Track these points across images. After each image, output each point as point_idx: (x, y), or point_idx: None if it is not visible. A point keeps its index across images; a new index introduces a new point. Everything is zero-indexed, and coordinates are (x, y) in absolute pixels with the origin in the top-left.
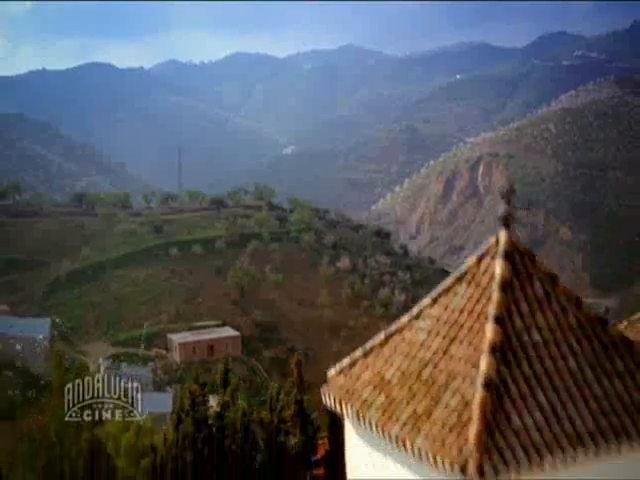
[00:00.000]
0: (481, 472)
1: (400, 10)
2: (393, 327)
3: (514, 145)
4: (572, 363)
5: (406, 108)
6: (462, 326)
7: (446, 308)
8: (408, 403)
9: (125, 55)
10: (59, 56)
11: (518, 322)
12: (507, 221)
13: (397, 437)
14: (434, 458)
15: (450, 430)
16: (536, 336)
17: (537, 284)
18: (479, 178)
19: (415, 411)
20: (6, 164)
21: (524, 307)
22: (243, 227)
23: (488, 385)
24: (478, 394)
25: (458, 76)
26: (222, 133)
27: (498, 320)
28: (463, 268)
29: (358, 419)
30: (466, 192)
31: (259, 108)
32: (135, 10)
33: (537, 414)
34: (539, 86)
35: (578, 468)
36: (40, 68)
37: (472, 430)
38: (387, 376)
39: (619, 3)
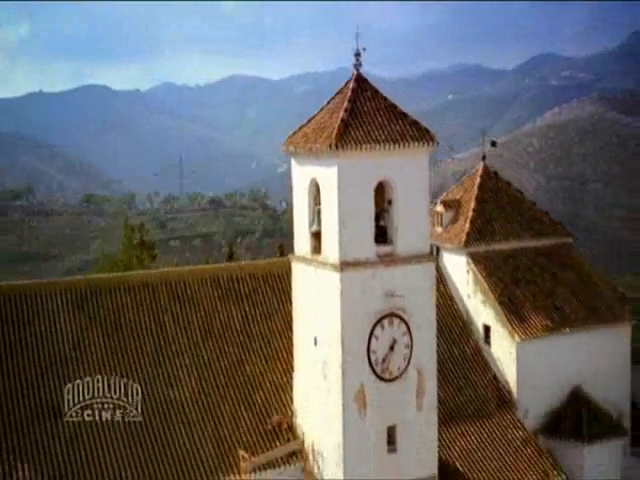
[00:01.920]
0: (337, 146)
1: (396, 34)
2: (311, 116)
3: (499, 159)
4: (380, 120)
5: None
6: (338, 108)
7: (333, 105)
8: (314, 135)
9: (121, 78)
10: (55, 79)
11: (358, 104)
12: (357, 67)
13: (309, 148)
14: (321, 151)
15: (327, 137)
16: (365, 109)
17: (368, 92)
18: None
19: (317, 137)
20: (8, 179)
21: (361, 99)
22: (239, 224)
23: (343, 120)
24: (337, 124)
25: (450, 97)
26: (217, 154)
27: (349, 100)
28: (338, 90)
29: (295, 149)
30: None
31: (254, 129)
32: (131, 34)
33: (362, 132)
34: (528, 105)
35: (373, 157)
36: (37, 90)
37: (334, 135)
38: (308, 131)
39: (608, 26)
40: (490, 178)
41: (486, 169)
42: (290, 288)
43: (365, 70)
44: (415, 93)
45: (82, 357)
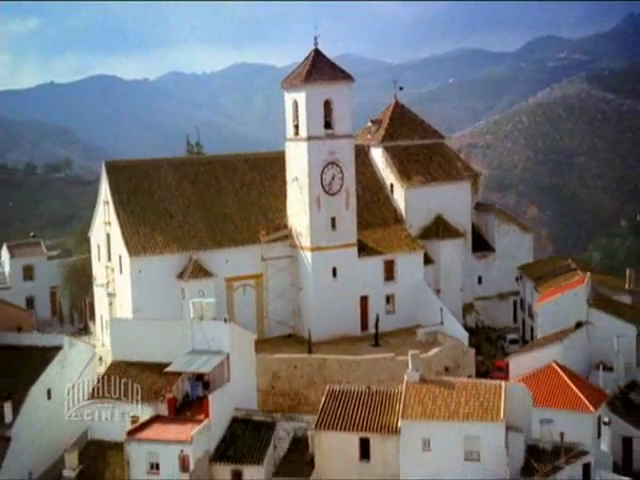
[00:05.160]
0: (305, 82)
1: (397, 20)
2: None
3: (492, 137)
4: (326, 70)
5: None
6: (306, 65)
7: (303, 64)
8: (295, 77)
9: (129, 69)
10: (65, 71)
11: (316, 63)
12: (315, 44)
13: (292, 83)
14: (298, 85)
15: (301, 78)
16: (318, 65)
17: (321, 57)
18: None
19: (296, 78)
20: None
21: (317, 61)
22: None
23: (308, 70)
24: (305, 72)
25: (451, 80)
26: (225, 140)
27: (312, 61)
28: (306, 57)
29: (286, 85)
30: None
31: (260, 114)
32: (137, 25)
33: (317, 75)
34: (524, 86)
35: None
36: (48, 81)
37: (304, 77)
38: (291, 76)
39: (605, 7)
40: (399, 107)
41: (397, 102)
42: (285, 165)
43: (372, 57)
44: (418, 77)
45: (180, 194)
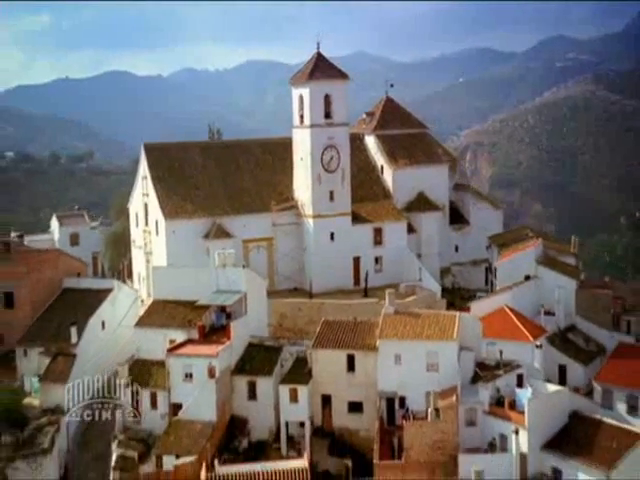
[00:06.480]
0: (309, 79)
1: (409, 18)
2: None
3: (498, 135)
4: (326, 69)
5: None
6: (309, 65)
7: (307, 65)
8: (301, 76)
9: (141, 65)
10: (78, 67)
11: (317, 64)
12: (318, 48)
13: (298, 80)
14: (303, 82)
15: (305, 76)
16: (320, 65)
17: (322, 59)
18: (466, 164)
19: (302, 76)
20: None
21: (319, 62)
22: None
23: (311, 70)
24: (309, 71)
25: (461, 79)
26: (238, 134)
27: (315, 62)
28: (309, 59)
29: (293, 82)
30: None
31: (272, 111)
32: (150, 21)
33: (318, 74)
34: (532, 86)
35: None
36: (63, 77)
37: (307, 75)
38: (298, 75)
39: (615, 7)
40: (389, 102)
41: (388, 97)
42: (292, 148)
43: (383, 55)
44: (429, 76)
45: (205, 171)
